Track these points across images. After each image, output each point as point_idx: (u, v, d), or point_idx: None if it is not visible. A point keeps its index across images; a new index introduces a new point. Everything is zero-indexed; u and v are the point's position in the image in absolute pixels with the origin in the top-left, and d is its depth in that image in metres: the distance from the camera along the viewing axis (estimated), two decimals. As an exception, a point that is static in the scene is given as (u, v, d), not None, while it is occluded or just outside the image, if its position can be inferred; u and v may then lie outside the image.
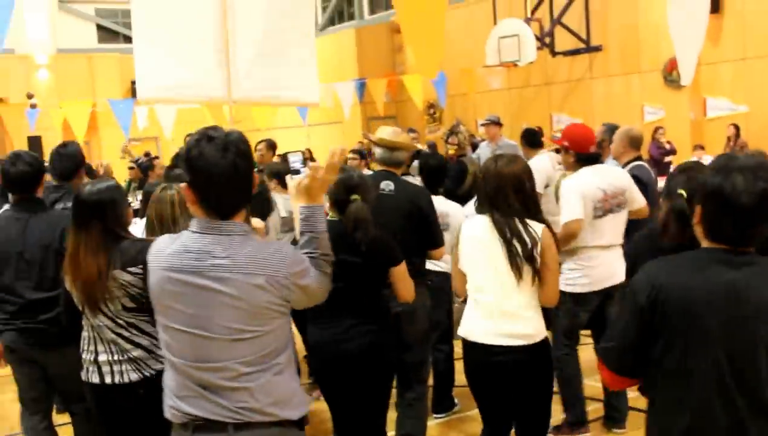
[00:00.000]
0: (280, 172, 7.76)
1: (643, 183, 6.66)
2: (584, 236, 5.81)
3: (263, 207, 6.50)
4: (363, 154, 10.97)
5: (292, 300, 2.89)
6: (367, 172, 9.24)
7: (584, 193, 5.75)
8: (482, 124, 13.06)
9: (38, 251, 4.89)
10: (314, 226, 3.10)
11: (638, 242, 4.16)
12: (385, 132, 5.71)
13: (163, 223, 4.47)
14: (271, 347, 2.87)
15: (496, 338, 4.28)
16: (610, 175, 5.99)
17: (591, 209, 5.77)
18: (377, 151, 5.70)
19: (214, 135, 2.80)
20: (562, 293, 5.84)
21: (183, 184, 2.86)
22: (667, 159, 15.20)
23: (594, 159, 6.04)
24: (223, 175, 2.77)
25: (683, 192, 3.47)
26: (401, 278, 4.44)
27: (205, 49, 7.88)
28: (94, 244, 4.08)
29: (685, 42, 4.25)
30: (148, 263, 2.97)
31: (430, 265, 6.08)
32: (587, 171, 5.89)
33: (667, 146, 15.53)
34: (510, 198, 4.26)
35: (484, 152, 12.22)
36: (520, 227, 4.23)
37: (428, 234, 5.52)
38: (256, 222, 4.08)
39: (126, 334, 4.09)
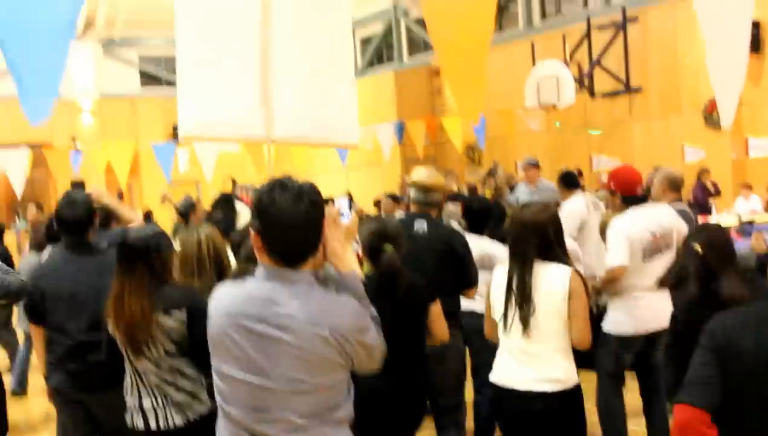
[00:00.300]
0: None
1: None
2: (631, 278, 5.75)
3: None
4: (397, 199, 11.01)
5: (353, 356, 2.82)
6: (399, 213, 9.23)
7: (631, 237, 5.69)
8: (521, 167, 13.06)
9: (90, 292, 4.93)
10: (356, 289, 2.99)
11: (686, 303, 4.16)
12: (420, 174, 5.73)
13: (188, 263, 4.51)
14: (330, 401, 2.82)
15: (524, 382, 4.27)
16: (659, 216, 5.92)
17: (639, 252, 5.70)
18: (412, 193, 5.72)
19: (288, 184, 2.78)
20: (606, 333, 5.82)
21: (252, 231, 2.83)
22: (710, 201, 15.08)
23: (640, 201, 5.99)
24: (295, 223, 2.74)
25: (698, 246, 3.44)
26: (437, 317, 4.44)
27: (247, 89, 7.96)
28: (139, 287, 4.11)
29: (724, 83, 4.21)
30: (209, 307, 2.93)
31: (475, 306, 6.07)
32: (635, 213, 5.84)
33: (712, 189, 15.41)
34: (530, 246, 4.28)
35: (522, 194, 12.22)
36: (539, 274, 4.24)
37: (462, 274, 5.51)
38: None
39: (169, 378, 4.10)
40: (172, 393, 4.10)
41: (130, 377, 4.24)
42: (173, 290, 4.16)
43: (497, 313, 4.43)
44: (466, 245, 5.60)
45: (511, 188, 12.87)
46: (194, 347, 4.13)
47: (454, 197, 6.97)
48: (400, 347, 4.21)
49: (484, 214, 6.76)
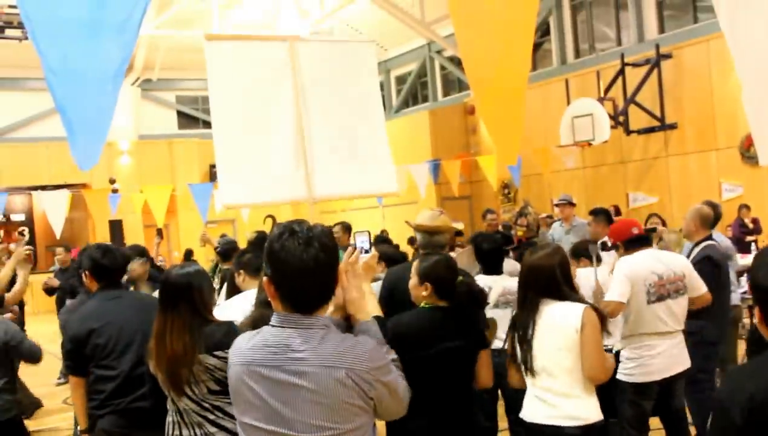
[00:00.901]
0: None
1: (714, 263, 6.55)
2: (639, 322, 5.73)
3: None
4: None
5: (376, 399, 2.78)
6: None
7: (634, 276, 5.69)
8: (556, 205, 13.04)
9: (133, 328, 4.99)
10: (375, 336, 2.98)
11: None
12: (424, 217, 5.74)
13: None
14: None
15: (548, 418, 4.32)
16: (668, 260, 5.90)
17: (643, 293, 5.69)
18: (418, 237, 5.73)
19: (296, 229, 2.77)
20: (622, 382, 5.79)
21: (264, 278, 2.83)
22: (749, 238, 14.89)
23: (641, 240, 5.98)
24: (303, 270, 2.72)
25: None
26: (486, 362, 4.41)
27: (283, 152, 8.10)
28: (181, 325, 4.14)
29: (760, 119, 4.18)
30: (229, 357, 2.92)
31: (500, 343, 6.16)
32: (642, 254, 5.84)
33: (751, 225, 15.24)
34: (535, 289, 4.39)
35: (557, 232, 12.22)
36: (548, 313, 4.31)
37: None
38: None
39: (211, 417, 4.11)
40: (213, 432, 4.11)
41: (172, 417, 4.26)
42: (215, 329, 4.19)
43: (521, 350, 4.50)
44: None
45: (549, 226, 12.87)
46: None
47: (473, 239, 6.99)
48: (455, 384, 4.23)
49: (496, 254, 6.75)
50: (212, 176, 22.55)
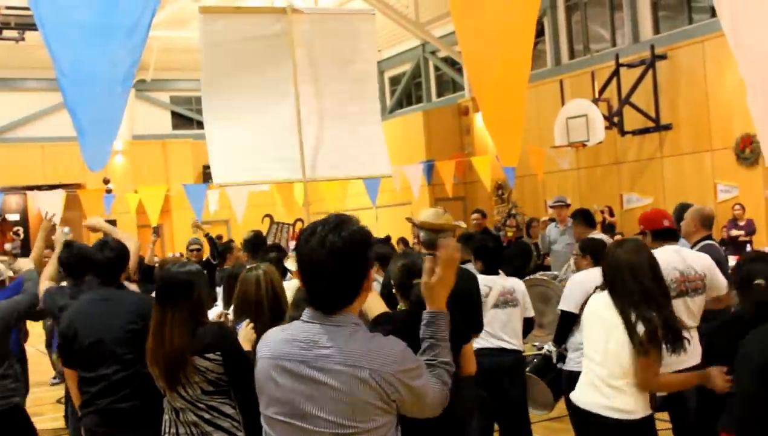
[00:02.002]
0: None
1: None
2: None
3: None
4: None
5: (399, 401, 2.75)
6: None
7: None
8: (551, 206, 13.09)
9: (121, 332, 4.98)
10: (435, 332, 2.95)
11: (717, 330, 4.17)
12: (427, 214, 5.75)
13: (247, 301, 4.52)
14: None
15: (600, 409, 4.39)
16: (691, 259, 5.91)
17: None
18: (422, 234, 5.75)
19: (317, 228, 2.77)
20: None
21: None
22: (744, 239, 14.93)
23: (670, 233, 6.01)
24: (319, 268, 2.73)
25: (761, 281, 3.41)
26: (469, 354, 4.46)
27: (277, 132, 8.04)
28: (180, 322, 4.14)
29: (765, 121, 4.20)
30: (257, 351, 2.93)
31: (503, 344, 6.25)
32: (667, 249, 5.85)
33: (745, 227, 15.27)
34: (627, 284, 4.39)
35: (553, 233, 12.27)
36: (631, 313, 4.32)
37: (473, 318, 5.57)
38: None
39: (207, 416, 4.12)
40: (209, 431, 4.12)
41: (168, 415, 4.26)
42: (207, 330, 4.19)
43: (587, 337, 4.61)
44: (479, 290, 5.71)
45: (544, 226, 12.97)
46: (233, 386, 4.16)
47: (468, 238, 7.02)
48: None
49: (498, 254, 6.81)
50: (206, 177, 22.51)
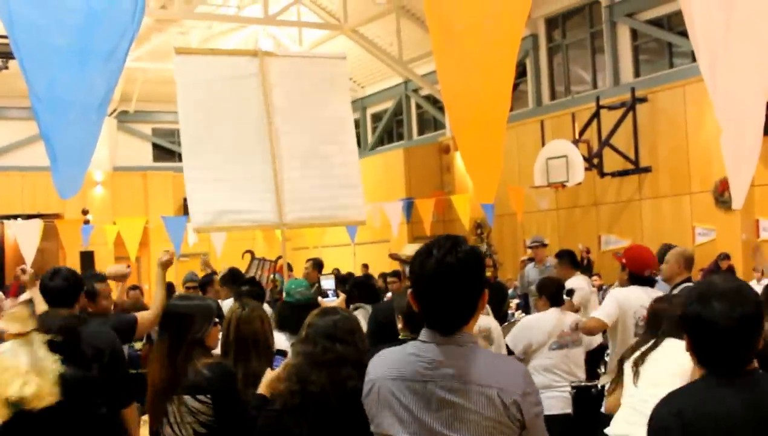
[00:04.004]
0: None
1: None
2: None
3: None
4: (400, 276, 11.10)
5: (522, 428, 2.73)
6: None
7: (624, 305, 5.80)
8: (529, 246, 13.14)
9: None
10: None
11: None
12: (412, 249, 5.77)
13: (258, 339, 4.42)
14: None
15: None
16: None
17: (632, 326, 5.77)
18: (406, 269, 5.76)
19: (432, 250, 2.79)
20: (608, 417, 5.81)
21: (409, 291, 2.86)
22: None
23: (646, 282, 6.06)
24: (438, 288, 2.74)
25: None
26: None
27: (254, 177, 8.04)
28: (172, 354, 4.05)
29: (738, 166, 4.23)
30: (370, 370, 2.92)
31: None
32: (635, 288, 5.92)
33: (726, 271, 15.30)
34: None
35: (532, 273, 12.28)
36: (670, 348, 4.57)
37: None
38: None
39: None
40: None
41: None
42: (202, 370, 4.04)
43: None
44: None
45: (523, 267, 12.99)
46: (221, 433, 4.03)
47: None
48: None
49: None
50: (186, 209, 22.40)
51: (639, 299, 5.83)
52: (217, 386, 4.02)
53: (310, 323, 3.74)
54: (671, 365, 4.43)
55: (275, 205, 8.01)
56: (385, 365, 2.89)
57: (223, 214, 8.01)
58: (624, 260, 6.25)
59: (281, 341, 5.33)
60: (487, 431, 2.68)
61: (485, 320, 6.65)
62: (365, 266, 20.66)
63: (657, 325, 4.79)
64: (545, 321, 6.84)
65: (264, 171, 8.07)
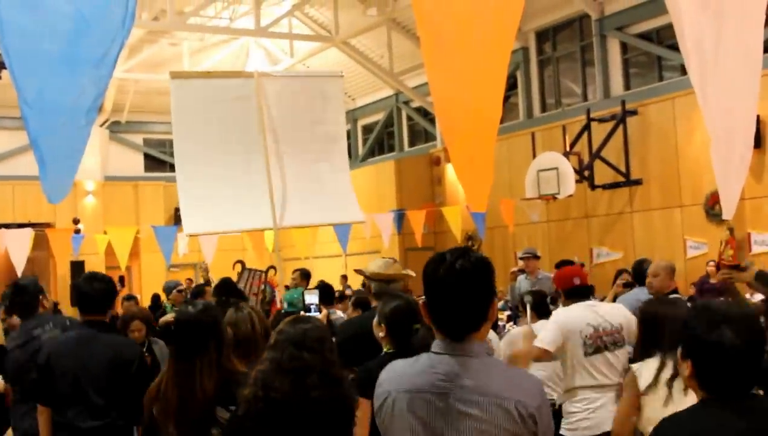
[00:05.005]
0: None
1: None
2: (578, 375, 5.75)
3: None
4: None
5: None
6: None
7: (568, 328, 5.72)
8: (520, 258, 13.12)
9: (101, 375, 4.85)
10: None
11: None
12: (377, 265, 5.77)
13: (249, 340, 4.37)
14: None
15: None
16: (605, 312, 5.93)
17: (580, 346, 5.71)
18: (373, 286, 5.74)
19: (445, 256, 2.81)
20: None
21: (421, 302, 2.87)
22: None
23: (580, 291, 6.05)
24: (450, 292, 2.74)
25: None
26: None
27: (248, 186, 8.07)
28: (210, 366, 3.95)
29: (728, 177, 4.25)
30: (382, 383, 2.91)
31: None
32: (579, 305, 5.90)
33: (716, 285, 15.32)
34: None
35: (523, 285, 12.26)
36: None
37: None
38: None
39: None
40: None
41: None
42: (228, 382, 3.95)
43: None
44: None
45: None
46: None
47: None
48: None
49: None
50: (177, 219, 22.39)
51: (582, 317, 5.79)
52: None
53: (281, 330, 3.69)
54: None
55: (268, 209, 8.05)
56: (398, 377, 2.88)
57: (216, 218, 8.04)
58: (555, 286, 6.34)
59: None
60: None
61: None
62: (344, 278, 20.68)
63: (657, 330, 4.69)
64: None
65: (258, 181, 8.10)
